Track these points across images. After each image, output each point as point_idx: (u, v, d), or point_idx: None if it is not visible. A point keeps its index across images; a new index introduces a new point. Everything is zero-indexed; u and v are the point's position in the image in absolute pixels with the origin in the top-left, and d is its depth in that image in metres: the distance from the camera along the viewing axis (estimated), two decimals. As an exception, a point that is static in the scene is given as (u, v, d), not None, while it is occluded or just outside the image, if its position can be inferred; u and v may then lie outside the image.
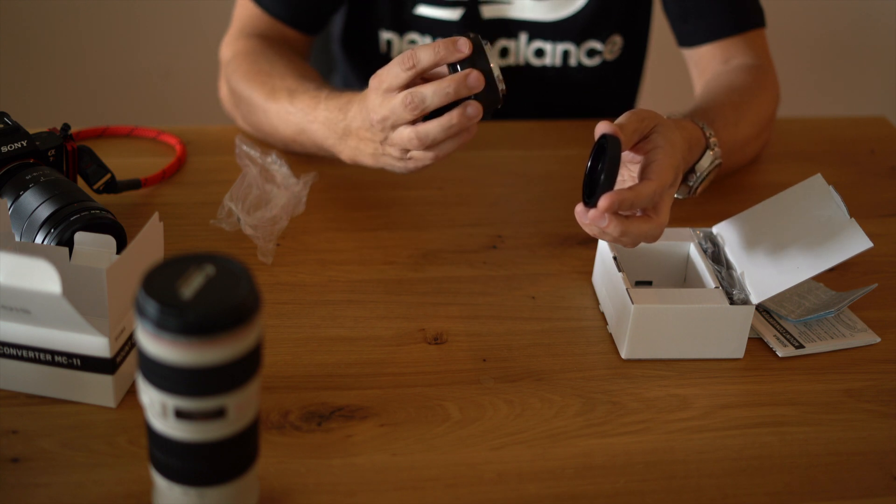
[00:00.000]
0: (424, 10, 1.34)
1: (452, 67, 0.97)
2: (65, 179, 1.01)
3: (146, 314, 0.68)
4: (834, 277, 1.08)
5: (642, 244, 0.97)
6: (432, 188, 1.20)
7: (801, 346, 0.99)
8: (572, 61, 1.38)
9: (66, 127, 1.08)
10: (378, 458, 0.85)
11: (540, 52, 1.37)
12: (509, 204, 1.20)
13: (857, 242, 0.95)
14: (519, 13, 1.35)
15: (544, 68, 1.38)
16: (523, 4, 1.34)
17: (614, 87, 1.44)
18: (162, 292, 0.68)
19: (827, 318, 1.02)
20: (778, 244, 0.99)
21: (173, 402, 0.70)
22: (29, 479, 0.80)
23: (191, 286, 0.69)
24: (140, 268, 0.72)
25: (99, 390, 0.86)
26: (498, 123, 1.32)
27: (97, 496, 0.79)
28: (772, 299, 1.02)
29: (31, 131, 1.05)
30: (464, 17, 1.34)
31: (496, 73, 0.97)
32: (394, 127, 1.00)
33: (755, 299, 0.97)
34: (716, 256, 1.02)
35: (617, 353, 0.98)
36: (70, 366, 0.85)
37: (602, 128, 0.93)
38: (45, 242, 0.95)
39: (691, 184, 1.08)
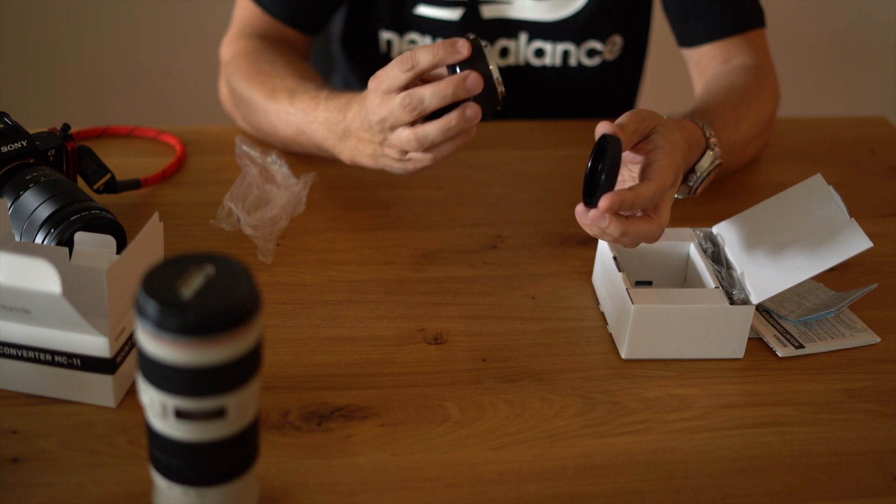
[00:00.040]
0: (424, 10, 1.34)
1: (452, 69, 0.97)
2: (65, 179, 1.01)
3: (146, 314, 0.68)
4: (834, 277, 1.08)
5: (642, 244, 0.97)
6: (432, 188, 1.20)
7: (801, 346, 0.99)
8: (572, 61, 1.38)
9: (66, 127, 1.08)
10: (378, 458, 0.85)
11: (540, 52, 1.37)
12: (509, 204, 1.20)
13: (857, 242, 0.95)
14: (519, 13, 1.35)
15: (544, 68, 1.38)
16: (523, 4, 1.34)
17: (614, 87, 1.44)
18: (162, 292, 0.68)
19: (827, 318, 1.02)
20: (778, 244, 0.99)
21: (173, 402, 0.70)
22: (29, 479, 0.80)
23: (191, 286, 0.69)
24: (140, 268, 0.72)
25: (99, 390, 0.86)
26: (498, 123, 1.32)
27: (97, 496, 0.79)
28: (772, 299, 1.02)
29: (31, 131, 1.05)
30: (464, 17, 1.34)
31: (495, 75, 0.97)
32: (392, 128, 1.00)
33: (755, 299, 0.97)
34: (716, 256, 1.02)
35: (617, 353, 0.97)
36: (70, 366, 0.85)
37: (602, 128, 0.93)
38: (45, 242, 0.95)
39: (691, 184, 1.08)
